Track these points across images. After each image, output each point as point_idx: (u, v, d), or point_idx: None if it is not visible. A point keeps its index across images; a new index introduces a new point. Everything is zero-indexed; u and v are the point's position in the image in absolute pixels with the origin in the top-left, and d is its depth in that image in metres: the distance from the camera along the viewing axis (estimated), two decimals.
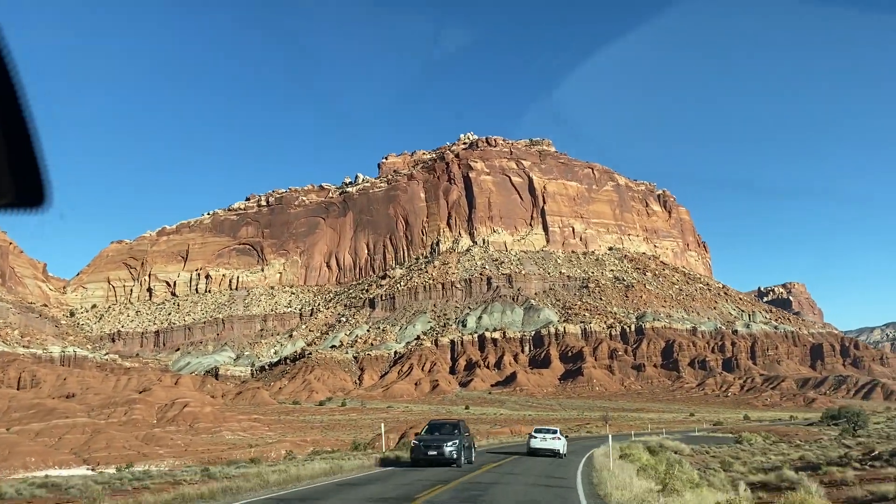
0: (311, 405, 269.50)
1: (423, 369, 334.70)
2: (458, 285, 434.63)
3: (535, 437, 46.13)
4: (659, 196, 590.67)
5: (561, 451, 44.39)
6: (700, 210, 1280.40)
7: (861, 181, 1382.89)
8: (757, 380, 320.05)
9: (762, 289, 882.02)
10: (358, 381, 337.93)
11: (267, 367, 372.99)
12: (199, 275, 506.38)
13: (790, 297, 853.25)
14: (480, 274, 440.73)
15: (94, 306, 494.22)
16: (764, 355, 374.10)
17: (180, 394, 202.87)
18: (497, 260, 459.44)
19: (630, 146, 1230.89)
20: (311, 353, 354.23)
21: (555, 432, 46.66)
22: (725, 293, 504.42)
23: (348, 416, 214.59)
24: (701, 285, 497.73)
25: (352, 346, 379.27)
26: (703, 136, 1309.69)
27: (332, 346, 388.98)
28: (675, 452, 38.05)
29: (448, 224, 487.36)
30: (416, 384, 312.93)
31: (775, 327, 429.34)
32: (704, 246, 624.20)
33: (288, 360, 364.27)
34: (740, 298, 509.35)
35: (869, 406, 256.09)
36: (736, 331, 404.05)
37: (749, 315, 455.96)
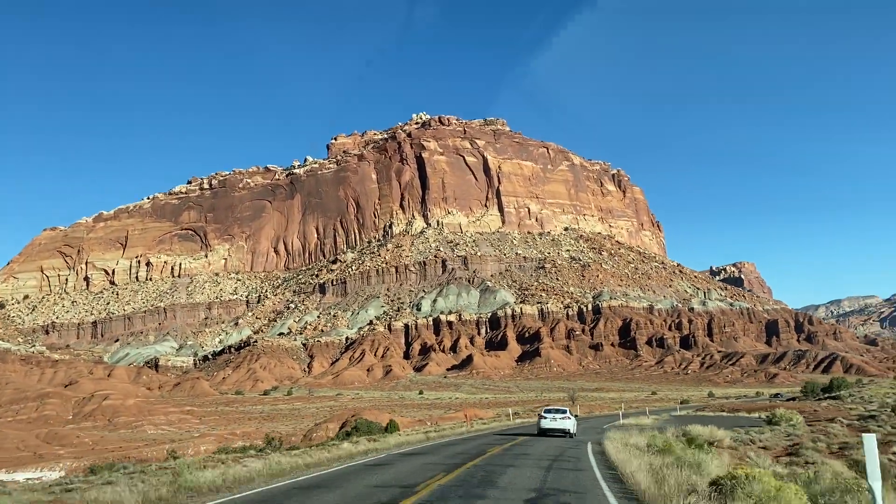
0: (255, 395, 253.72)
1: (375, 355, 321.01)
2: (413, 268, 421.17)
3: (545, 418, 45.71)
4: (613, 176, 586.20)
5: (571, 431, 44.35)
6: (653, 190, 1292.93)
7: (803, 165, 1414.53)
8: (716, 357, 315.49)
9: (714, 268, 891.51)
10: (307, 369, 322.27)
11: (211, 357, 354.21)
12: (139, 262, 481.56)
13: (741, 276, 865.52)
14: (435, 256, 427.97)
15: (26, 297, 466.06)
16: (721, 332, 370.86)
17: (110, 386, 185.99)
18: (452, 242, 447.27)
19: (585, 125, 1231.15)
20: (256, 341, 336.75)
21: (564, 412, 46.12)
22: (680, 271, 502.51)
23: (292, 406, 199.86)
24: (656, 264, 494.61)
25: (301, 333, 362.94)
26: (658, 113, 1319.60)
27: (281, 334, 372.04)
28: (711, 443, 25.98)
29: (401, 206, 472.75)
30: (368, 370, 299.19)
31: (731, 304, 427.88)
32: (658, 226, 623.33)
33: (233, 349, 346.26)
34: (695, 276, 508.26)
35: (828, 379, 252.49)
36: (692, 308, 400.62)
37: (704, 293, 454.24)
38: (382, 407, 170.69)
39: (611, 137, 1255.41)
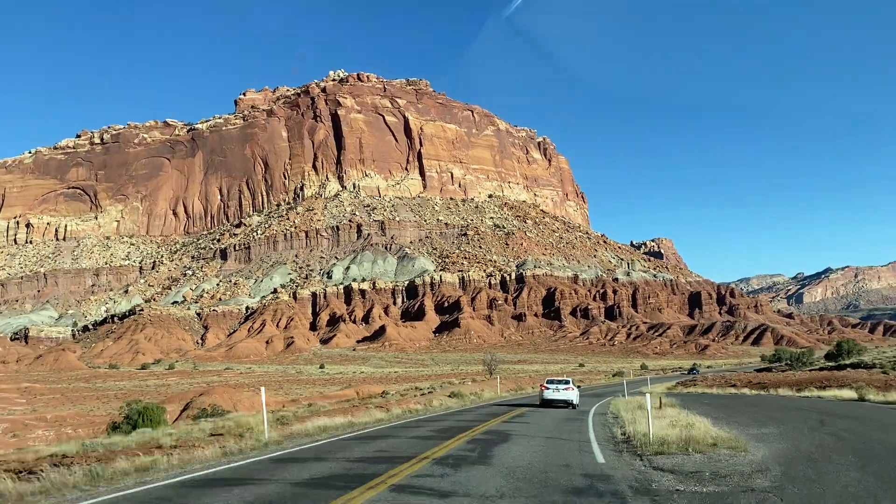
0: (130, 369, 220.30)
1: (277, 326, 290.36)
2: (325, 233, 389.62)
3: (548, 389, 44.48)
4: (539, 143, 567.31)
5: (574, 402, 43.76)
6: (577, 161, 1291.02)
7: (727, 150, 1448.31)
8: (642, 328, 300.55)
9: (634, 242, 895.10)
10: (200, 341, 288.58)
11: (92, 327, 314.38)
12: (17, 223, 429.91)
13: (661, 251, 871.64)
14: (350, 221, 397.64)
15: None
16: (646, 303, 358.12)
17: None
18: (369, 206, 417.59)
19: (511, 92, 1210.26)
20: (142, 310, 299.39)
21: (567, 383, 45.16)
22: (605, 242, 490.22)
23: (165, 382, 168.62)
24: (581, 234, 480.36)
25: (196, 302, 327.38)
26: (583, 86, 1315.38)
27: (175, 303, 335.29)
28: None
29: (314, 167, 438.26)
30: (267, 342, 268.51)
31: (654, 275, 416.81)
32: (583, 196, 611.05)
33: (116, 319, 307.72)
34: (619, 248, 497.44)
35: (761, 351, 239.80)
36: (617, 279, 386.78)
37: (629, 263, 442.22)
38: (271, 383, 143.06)
39: (537, 109, 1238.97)
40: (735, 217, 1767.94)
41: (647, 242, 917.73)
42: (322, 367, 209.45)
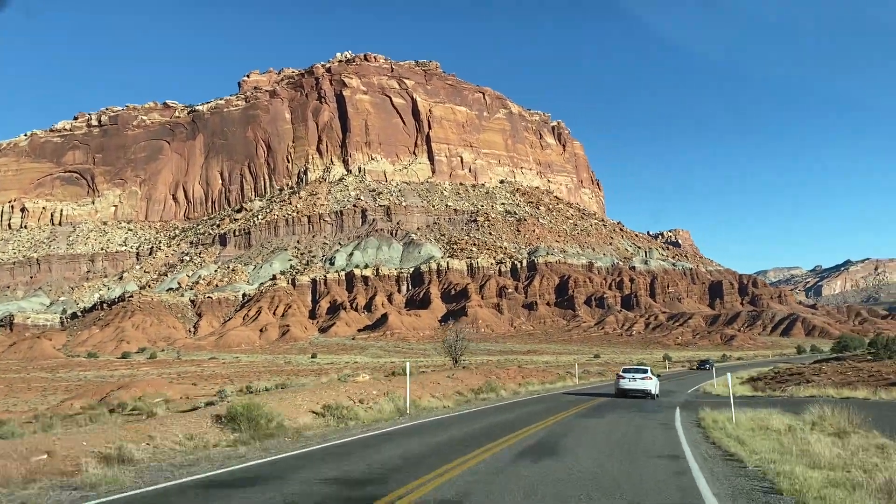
0: (110, 358, 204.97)
1: (274, 313, 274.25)
2: (328, 218, 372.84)
3: (624, 377, 41.66)
4: (553, 128, 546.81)
5: (653, 392, 40.68)
6: (593, 148, 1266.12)
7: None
8: (661, 318, 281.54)
9: (650, 233, 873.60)
10: (193, 329, 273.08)
11: (80, 314, 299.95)
12: (12, 207, 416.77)
13: (678, 241, 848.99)
14: (354, 206, 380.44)
15: None
16: (664, 293, 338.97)
17: None
18: (375, 191, 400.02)
19: (524, 76, 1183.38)
20: (131, 297, 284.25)
21: (645, 371, 42.34)
22: (621, 230, 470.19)
23: (135, 372, 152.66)
24: (596, 221, 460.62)
25: (191, 289, 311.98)
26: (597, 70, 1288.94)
27: (170, 289, 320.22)
28: None
29: (318, 150, 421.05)
30: (261, 331, 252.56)
31: (673, 264, 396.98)
32: (598, 184, 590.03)
33: (105, 306, 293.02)
34: (636, 236, 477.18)
35: (792, 342, 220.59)
36: (634, 267, 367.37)
37: (646, 252, 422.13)
38: (261, 372, 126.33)
39: (551, 88, 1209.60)
40: (752, 209, 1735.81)
41: (665, 233, 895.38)
42: (314, 356, 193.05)
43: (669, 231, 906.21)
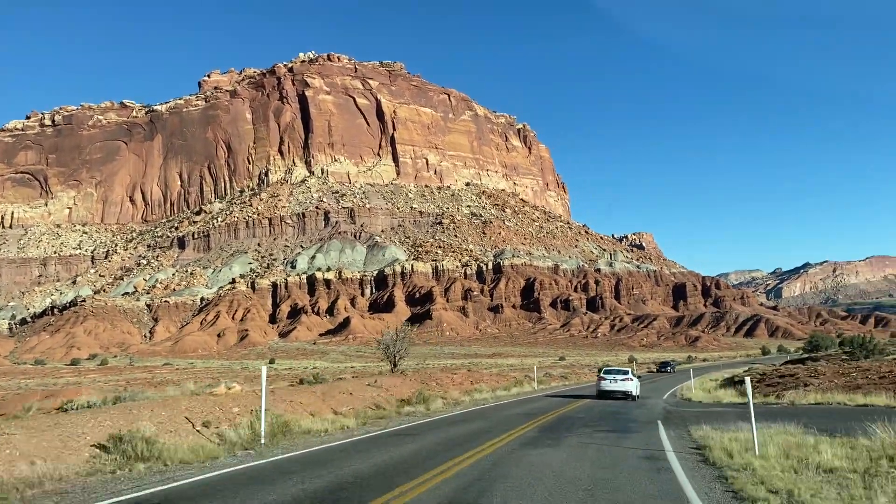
0: (58, 365, 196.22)
1: (233, 318, 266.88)
2: (289, 220, 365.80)
3: (605, 379, 42.10)
4: (519, 131, 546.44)
5: (633, 393, 41.09)
6: (559, 151, 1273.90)
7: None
8: (626, 319, 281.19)
9: (615, 236, 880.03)
10: (149, 335, 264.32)
11: (30, 320, 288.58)
12: None
13: (643, 244, 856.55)
14: (317, 208, 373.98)
15: None
16: (629, 294, 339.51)
17: None
18: (338, 192, 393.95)
19: (490, 78, 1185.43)
20: (84, 302, 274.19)
21: (626, 373, 42.87)
22: (586, 233, 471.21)
23: (79, 380, 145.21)
24: (562, 224, 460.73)
25: (147, 293, 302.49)
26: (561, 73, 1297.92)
27: (126, 294, 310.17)
28: None
29: (280, 151, 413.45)
30: (219, 335, 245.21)
31: (638, 267, 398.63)
32: (564, 187, 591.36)
33: (56, 311, 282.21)
34: (601, 238, 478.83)
35: (756, 343, 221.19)
36: (599, 269, 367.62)
37: (611, 254, 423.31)
38: (209, 375, 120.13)
39: (516, 90, 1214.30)
40: (714, 213, 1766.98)
41: (629, 236, 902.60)
42: (272, 361, 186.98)
43: (634, 234, 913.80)
